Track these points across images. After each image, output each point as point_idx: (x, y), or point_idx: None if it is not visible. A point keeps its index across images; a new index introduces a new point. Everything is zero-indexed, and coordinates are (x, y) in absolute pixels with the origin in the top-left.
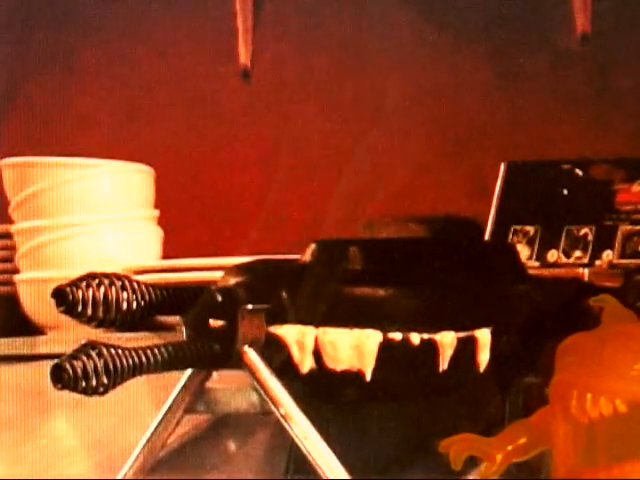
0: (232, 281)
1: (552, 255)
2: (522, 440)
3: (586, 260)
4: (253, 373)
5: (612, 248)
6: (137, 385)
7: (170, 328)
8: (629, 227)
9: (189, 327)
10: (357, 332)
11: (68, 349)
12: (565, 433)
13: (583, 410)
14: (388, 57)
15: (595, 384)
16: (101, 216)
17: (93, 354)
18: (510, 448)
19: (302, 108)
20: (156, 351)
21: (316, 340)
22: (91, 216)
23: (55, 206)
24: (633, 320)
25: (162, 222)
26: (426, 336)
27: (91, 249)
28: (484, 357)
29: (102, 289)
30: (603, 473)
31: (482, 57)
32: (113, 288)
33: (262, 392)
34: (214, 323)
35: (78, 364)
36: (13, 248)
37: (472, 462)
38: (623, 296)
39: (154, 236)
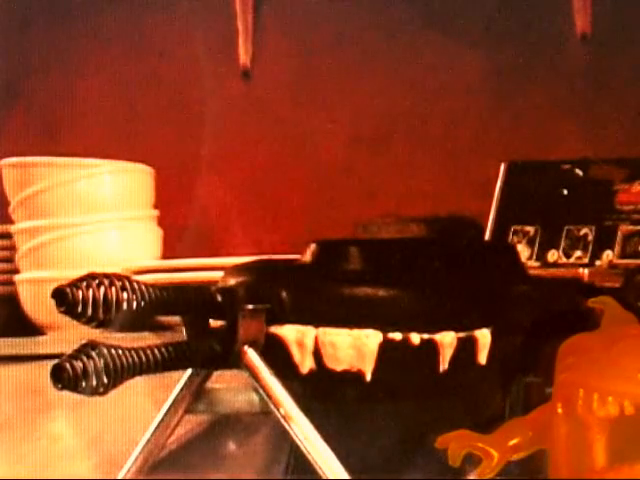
0: (232, 281)
1: (552, 255)
2: (520, 438)
3: (586, 260)
4: (253, 373)
5: (612, 248)
6: (137, 385)
7: (170, 328)
8: (629, 227)
9: (189, 327)
10: (357, 332)
11: (68, 349)
12: (567, 432)
13: (589, 410)
14: (388, 57)
15: (602, 384)
16: (101, 216)
17: (93, 354)
18: (508, 445)
19: (302, 108)
20: (156, 351)
21: (316, 340)
22: (91, 216)
23: (55, 206)
24: (633, 322)
25: (162, 222)
26: (426, 336)
27: (91, 249)
28: (484, 357)
29: (102, 289)
30: (612, 473)
31: (482, 57)
32: (113, 288)
33: (262, 392)
34: (214, 323)
35: (78, 364)
36: (13, 248)
37: (470, 459)
38: (623, 296)
39: (154, 236)
